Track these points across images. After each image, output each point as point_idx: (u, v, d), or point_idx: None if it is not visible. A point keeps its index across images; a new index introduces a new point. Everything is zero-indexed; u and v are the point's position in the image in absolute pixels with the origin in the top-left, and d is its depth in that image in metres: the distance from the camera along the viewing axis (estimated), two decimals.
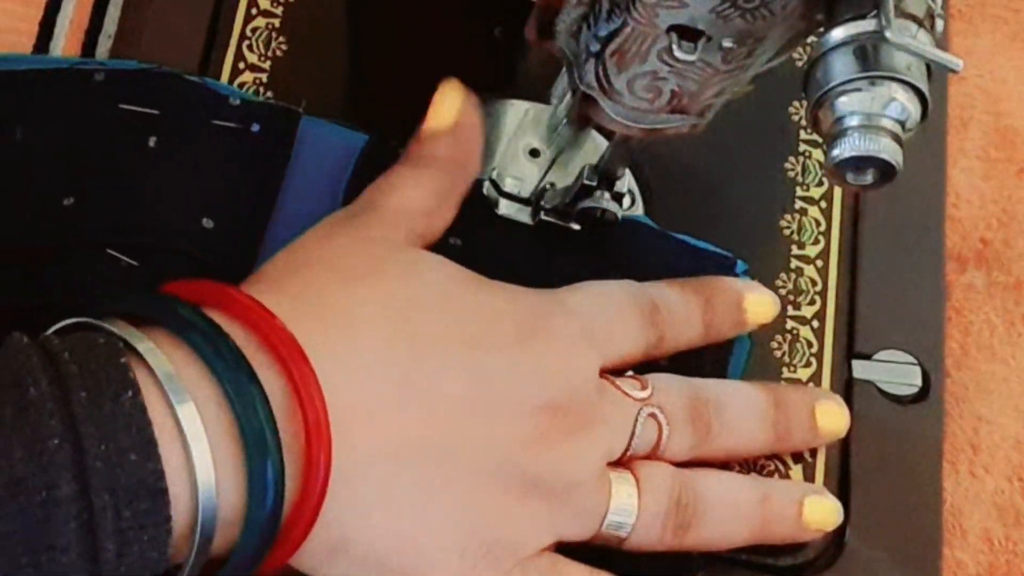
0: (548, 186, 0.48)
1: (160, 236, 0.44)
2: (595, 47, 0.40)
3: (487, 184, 0.48)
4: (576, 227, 0.48)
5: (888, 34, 0.33)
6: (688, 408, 0.43)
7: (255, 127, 0.46)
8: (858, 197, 0.52)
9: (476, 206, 0.47)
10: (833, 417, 0.46)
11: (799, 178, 0.53)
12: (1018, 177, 0.57)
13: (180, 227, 0.44)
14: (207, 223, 0.44)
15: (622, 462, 0.42)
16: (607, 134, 0.43)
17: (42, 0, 0.53)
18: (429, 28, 0.53)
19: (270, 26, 0.52)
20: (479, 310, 0.40)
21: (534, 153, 0.49)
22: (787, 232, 0.52)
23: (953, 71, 0.34)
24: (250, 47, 0.51)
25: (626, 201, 0.48)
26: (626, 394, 0.42)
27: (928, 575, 0.47)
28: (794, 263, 0.51)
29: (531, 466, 0.39)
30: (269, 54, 0.51)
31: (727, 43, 0.37)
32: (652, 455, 0.43)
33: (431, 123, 0.44)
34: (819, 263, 0.51)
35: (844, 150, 0.34)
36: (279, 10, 0.52)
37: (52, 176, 0.44)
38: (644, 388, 0.42)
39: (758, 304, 0.46)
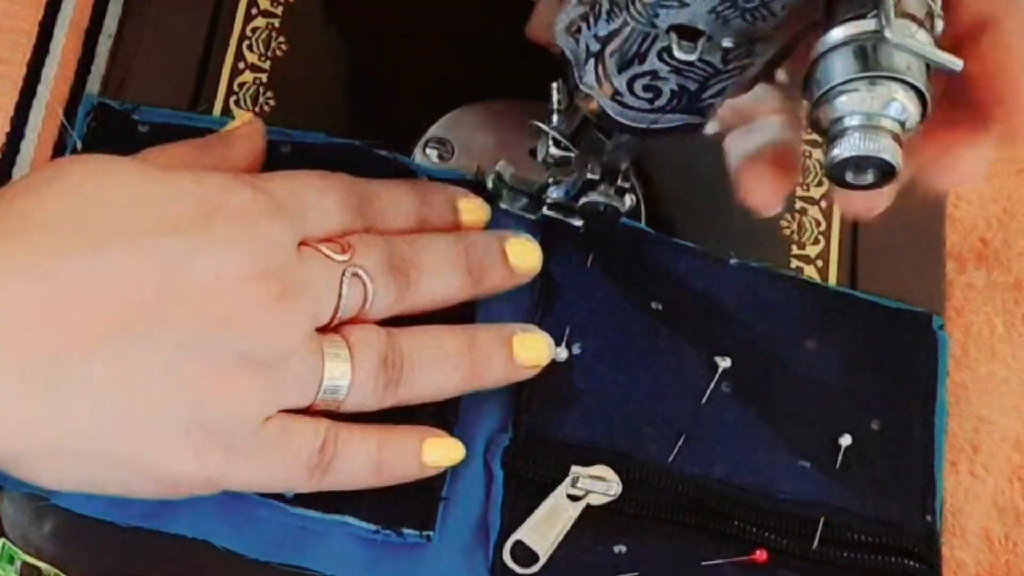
0: (550, 181, 0.48)
1: None
2: (595, 47, 0.40)
3: (491, 179, 0.48)
4: (578, 222, 0.48)
5: (888, 34, 0.33)
6: (387, 263, 0.43)
7: None
8: None
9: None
10: (524, 252, 0.47)
11: (799, 178, 0.53)
12: (1018, 177, 0.57)
13: None
14: None
15: (331, 327, 0.43)
16: (607, 133, 0.43)
17: (42, 0, 0.53)
18: (429, 28, 0.53)
19: (270, 26, 0.52)
20: (160, 196, 0.40)
21: (534, 153, 0.49)
22: (787, 232, 0.52)
23: (953, 71, 0.34)
24: (250, 47, 0.51)
25: (627, 199, 0.48)
26: (328, 256, 0.42)
27: None
28: (794, 263, 0.51)
29: (237, 340, 0.39)
30: (269, 54, 0.51)
31: (727, 43, 0.37)
32: (359, 317, 0.43)
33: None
34: (819, 263, 0.51)
35: (844, 150, 0.34)
36: (279, 10, 0.52)
37: None
38: (345, 251, 0.43)
39: (471, 206, 0.47)
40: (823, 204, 0.52)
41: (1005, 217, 0.56)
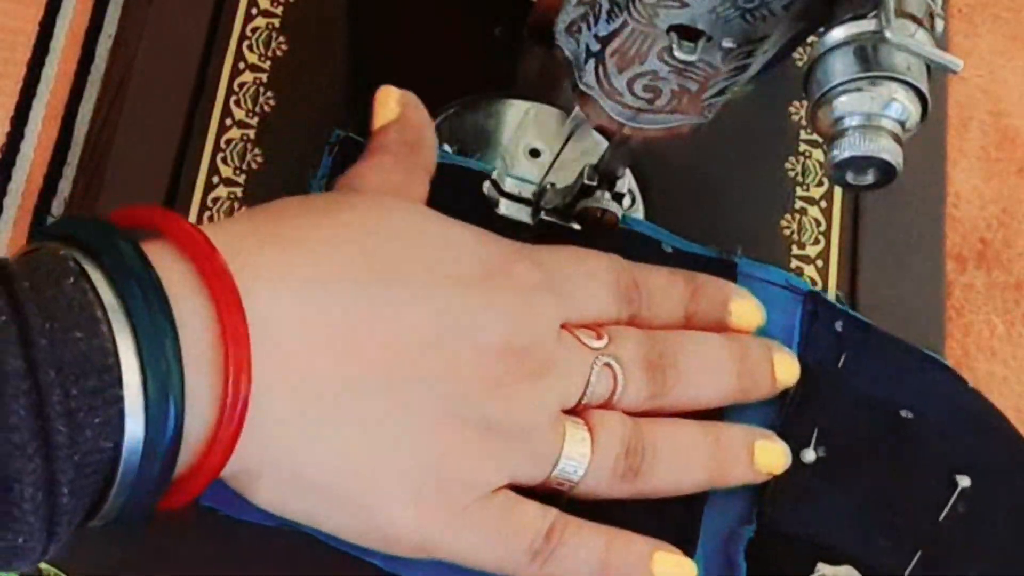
0: (548, 186, 0.48)
1: None
2: (595, 47, 0.40)
3: (487, 184, 0.48)
4: (576, 227, 0.48)
5: (888, 34, 0.33)
6: (645, 359, 0.43)
7: None
8: (858, 197, 0.52)
9: (476, 205, 0.48)
10: (790, 369, 0.46)
11: (799, 178, 0.53)
12: (1018, 177, 0.57)
13: None
14: None
15: (576, 411, 0.42)
16: (607, 134, 0.43)
17: (42, 0, 0.53)
18: (429, 28, 0.53)
19: (270, 26, 0.52)
20: (446, 245, 0.40)
21: (534, 153, 0.49)
22: (787, 232, 0.52)
23: (953, 71, 0.34)
24: (250, 47, 0.51)
25: (626, 201, 0.48)
26: (583, 343, 0.42)
27: None
28: (794, 263, 0.51)
29: (487, 406, 0.39)
30: (269, 54, 0.51)
31: (727, 43, 0.37)
32: (607, 405, 0.42)
33: (378, 120, 0.45)
34: (819, 263, 0.51)
35: (844, 150, 0.34)
36: (279, 10, 0.52)
37: None
38: (600, 339, 0.42)
39: (744, 308, 0.46)
40: (823, 204, 0.52)
41: (1005, 217, 0.56)
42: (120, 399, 0.33)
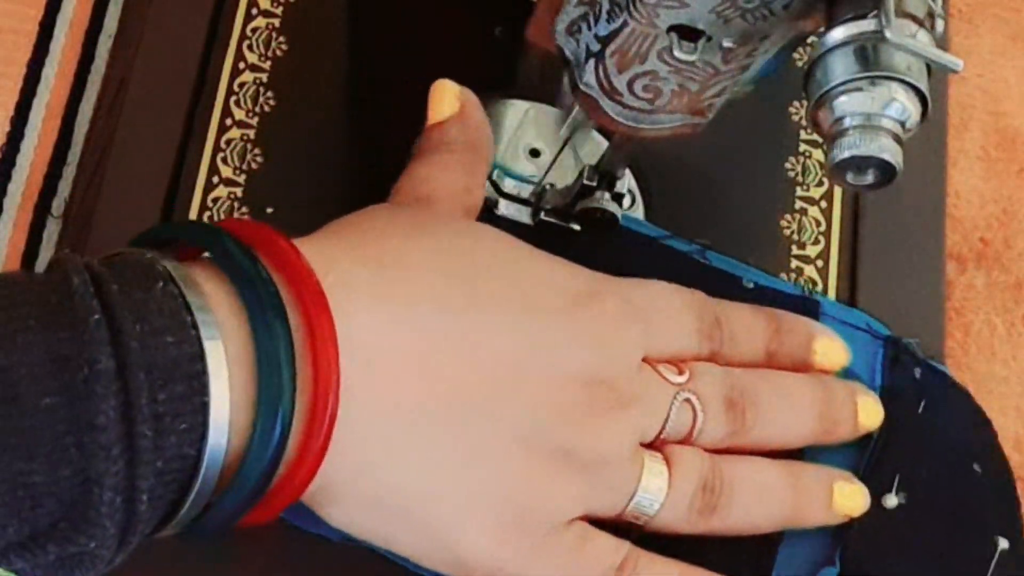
0: (548, 186, 0.48)
1: None
2: (595, 47, 0.40)
3: (487, 184, 0.48)
4: (576, 227, 0.48)
5: (888, 34, 0.33)
6: (725, 397, 0.43)
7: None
8: (858, 197, 0.52)
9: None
10: (874, 413, 0.45)
11: (799, 178, 0.53)
12: (1018, 177, 0.57)
13: None
14: None
15: (655, 445, 0.42)
16: (607, 134, 0.43)
17: (42, 0, 0.53)
18: (429, 28, 0.53)
19: (270, 26, 0.52)
20: (536, 275, 0.40)
21: (534, 153, 0.49)
22: (787, 232, 0.52)
23: (953, 71, 0.34)
24: (250, 47, 0.51)
25: (626, 201, 0.48)
26: (664, 378, 0.42)
27: None
28: (794, 263, 0.51)
29: (568, 437, 0.39)
30: (269, 54, 0.51)
31: (727, 43, 0.37)
32: (686, 441, 0.42)
33: (436, 115, 0.45)
34: (819, 263, 0.51)
35: (844, 150, 0.34)
36: (279, 10, 0.52)
37: None
38: (682, 374, 0.42)
39: (829, 347, 0.45)
40: (823, 204, 0.52)
41: (1005, 217, 0.56)
42: (206, 407, 0.33)
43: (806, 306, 0.47)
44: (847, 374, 0.46)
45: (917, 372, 0.47)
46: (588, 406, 0.39)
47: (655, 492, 0.41)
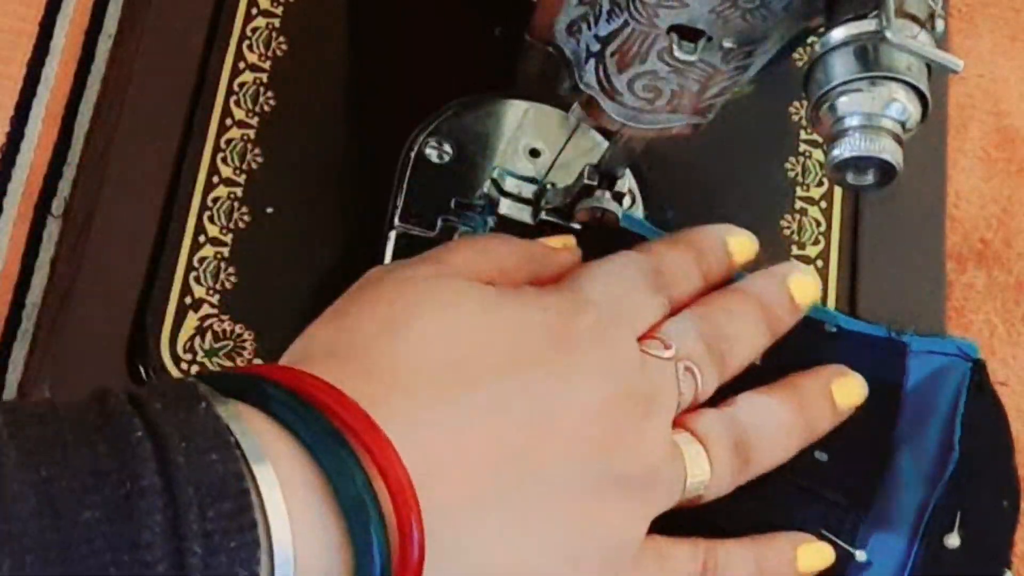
0: (549, 185, 0.48)
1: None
2: (595, 47, 0.40)
3: (488, 183, 0.48)
4: (577, 226, 0.48)
5: (888, 34, 0.33)
6: (704, 345, 0.43)
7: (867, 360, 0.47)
8: (858, 197, 0.52)
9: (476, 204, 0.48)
10: (806, 287, 0.46)
11: (799, 178, 0.53)
12: (1018, 177, 0.57)
13: (794, 461, 0.45)
14: (820, 456, 0.45)
15: (676, 422, 0.43)
16: (607, 134, 0.43)
17: (42, 0, 0.53)
18: (429, 28, 0.53)
19: (270, 26, 0.52)
20: (509, 328, 0.40)
21: (534, 153, 0.49)
22: (787, 232, 0.52)
23: (953, 71, 0.34)
24: (250, 47, 0.51)
25: (626, 201, 0.48)
26: (659, 358, 0.42)
27: None
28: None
29: (614, 464, 0.39)
30: (269, 54, 0.51)
31: (727, 43, 0.37)
32: (694, 403, 0.43)
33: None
34: (819, 263, 0.51)
35: (844, 150, 0.34)
36: (279, 10, 0.52)
37: None
38: (668, 346, 0.43)
39: (740, 244, 0.47)
40: (823, 204, 0.52)
41: (1005, 217, 0.56)
42: (255, 525, 0.32)
43: (893, 349, 0.47)
44: (936, 409, 0.47)
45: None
46: (618, 425, 0.40)
47: (702, 472, 0.42)
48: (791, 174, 0.53)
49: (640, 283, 0.44)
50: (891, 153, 0.34)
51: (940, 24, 0.35)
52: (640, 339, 0.43)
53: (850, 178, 0.35)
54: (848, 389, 0.45)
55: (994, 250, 0.55)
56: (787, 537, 0.44)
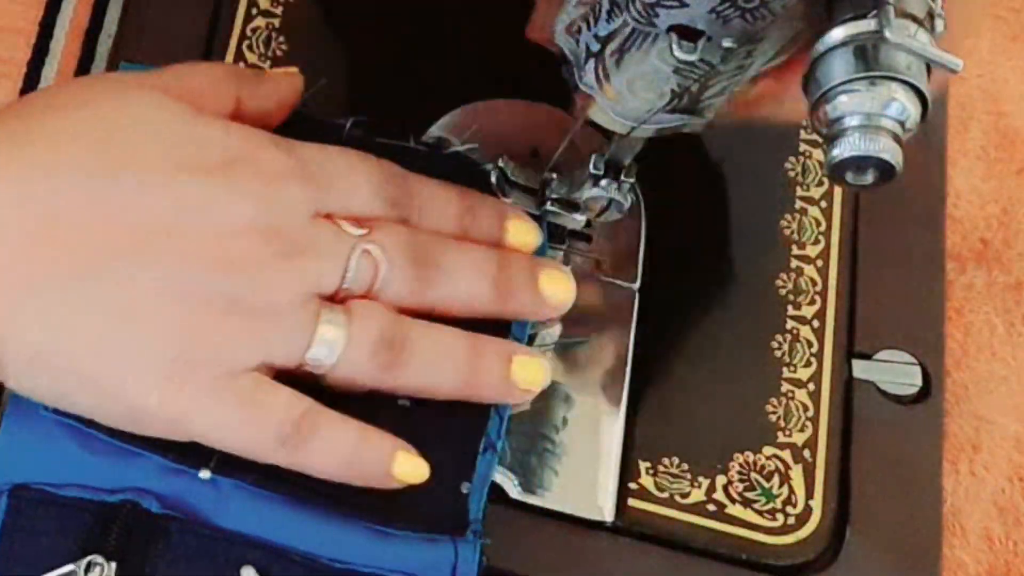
0: (555, 176, 0.48)
1: None
2: (595, 47, 0.40)
3: (495, 173, 0.48)
4: (581, 217, 0.47)
5: (888, 34, 0.33)
6: (407, 252, 0.43)
7: None
8: (858, 197, 0.52)
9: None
10: (558, 283, 0.46)
11: (799, 178, 0.53)
12: (1018, 177, 0.57)
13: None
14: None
15: (337, 299, 0.42)
16: (607, 134, 0.43)
17: (42, 0, 0.53)
18: (428, 28, 0.53)
19: (270, 26, 0.52)
20: (188, 136, 0.41)
21: (534, 153, 0.49)
22: (787, 232, 0.52)
23: (953, 71, 0.34)
24: (250, 47, 0.51)
25: (631, 193, 0.48)
26: (341, 229, 0.42)
27: (928, 574, 0.48)
28: (794, 263, 0.51)
29: (231, 286, 0.40)
30: (269, 54, 0.51)
31: (727, 43, 0.37)
32: (368, 295, 0.43)
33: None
34: (819, 263, 0.51)
35: (844, 150, 0.34)
36: (279, 10, 0.52)
37: None
38: (361, 229, 0.43)
39: (518, 227, 0.46)
40: (823, 204, 0.52)
41: (1005, 217, 0.56)
42: None
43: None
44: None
45: None
46: (250, 254, 0.40)
47: (332, 342, 0.41)
48: (791, 174, 0.53)
49: (364, 175, 0.44)
50: (891, 153, 0.34)
51: (940, 24, 0.35)
52: (342, 218, 0.42)
53: (850, 178, 0.35)
54: (529, 366, 0.44)
55: (994, 250, 0.55)
56: (392, 438, 0.42)
